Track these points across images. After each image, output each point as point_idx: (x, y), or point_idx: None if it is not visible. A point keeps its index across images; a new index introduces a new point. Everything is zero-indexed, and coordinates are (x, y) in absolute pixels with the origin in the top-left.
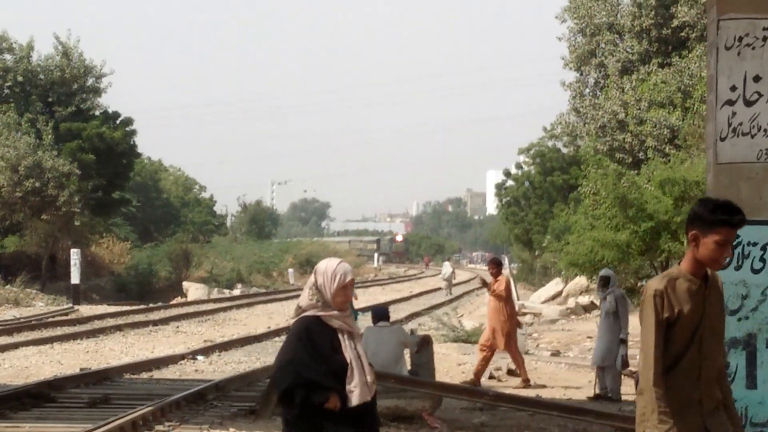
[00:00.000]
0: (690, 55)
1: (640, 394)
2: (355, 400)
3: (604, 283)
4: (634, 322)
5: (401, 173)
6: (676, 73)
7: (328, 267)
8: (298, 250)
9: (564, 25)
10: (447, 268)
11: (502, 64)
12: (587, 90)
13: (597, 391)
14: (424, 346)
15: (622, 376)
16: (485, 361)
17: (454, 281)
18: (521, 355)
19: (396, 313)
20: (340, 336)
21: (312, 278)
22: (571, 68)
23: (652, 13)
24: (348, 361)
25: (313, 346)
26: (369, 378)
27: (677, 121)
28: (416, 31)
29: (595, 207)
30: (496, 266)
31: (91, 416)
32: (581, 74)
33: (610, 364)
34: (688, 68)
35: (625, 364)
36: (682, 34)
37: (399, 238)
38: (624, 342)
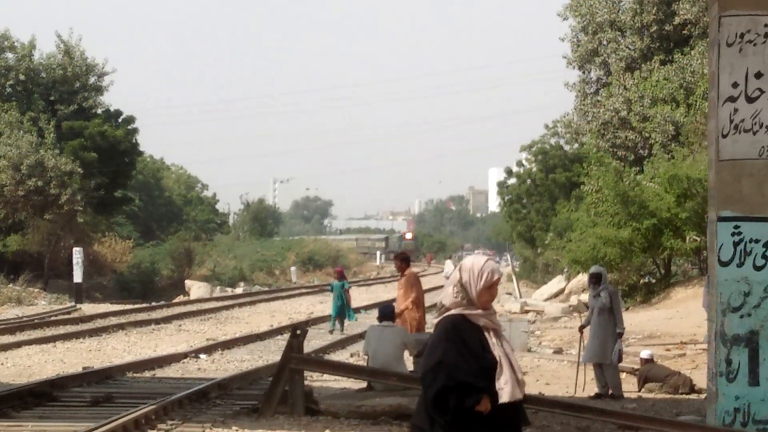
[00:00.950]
0: (692, 52)
1: None
2: (506, 396)
3: (596, 280)
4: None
5: (403, 171)
6: (679, 69)
7: (474, 264)
8: (300, 249)
9: (566, 23)
10: (449, 266)
11: (504, 62)
12: (591, 88)
13: (597, 390)
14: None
15: (622, 373)
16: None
17: None
18: None
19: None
20: (486, 334)
21: (456, 275)
22: (574, 67)
23: (654, 9)
24: (497, 358)
25: (463, 345)
26: (519, 375)
27: (681, 117)
28: (419, 29)
29: (597, 204)
30: (401, 261)
31: (93, 415)
32: (584, 73)
33: (606, 360)
34: (690, 65)
35: (620, 358)
36: (684, 31)
37: (409, 235)
38: (620, 336)
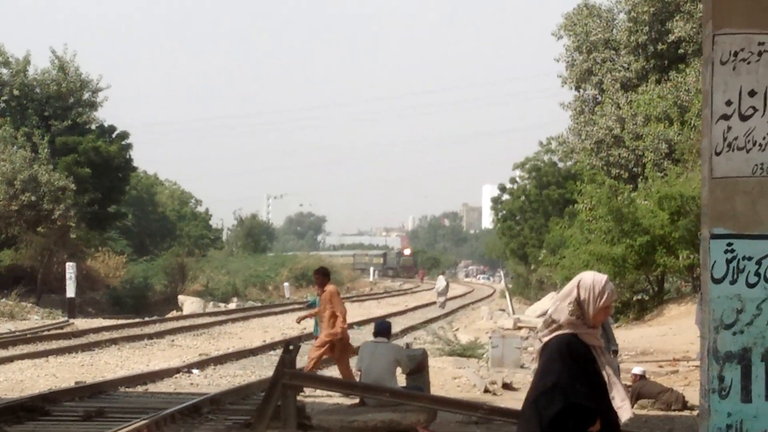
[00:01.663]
0: (687, 70)
1: None
2: (625, 415)
3: None
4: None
5: (397, 187)
6: (673, 87)
7: (595, 283)
8: (293, 264)
9: (560, 43)
10: (441, 282)
11: (498, 80)
12: (586, 107)
13: None
14: (418, 372)
15: None
16: (318, 360)
17: (448, 295)
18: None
19: (392, 327)
20: (594, 353)
21: (574, 293)
22: (570, 87)
23: (646, 28)
24: (606, 378)
25: (576, 366)
26: (626, 394)
27: (675, 135)
28: (411, 47)
29: (591, 221)
30: (322, 276)
31: (86, 430)
32: (579, 92)
33: None
34: (685, 83)
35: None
36: (680, 50)
37: (407, 251)
38: (616, 354)
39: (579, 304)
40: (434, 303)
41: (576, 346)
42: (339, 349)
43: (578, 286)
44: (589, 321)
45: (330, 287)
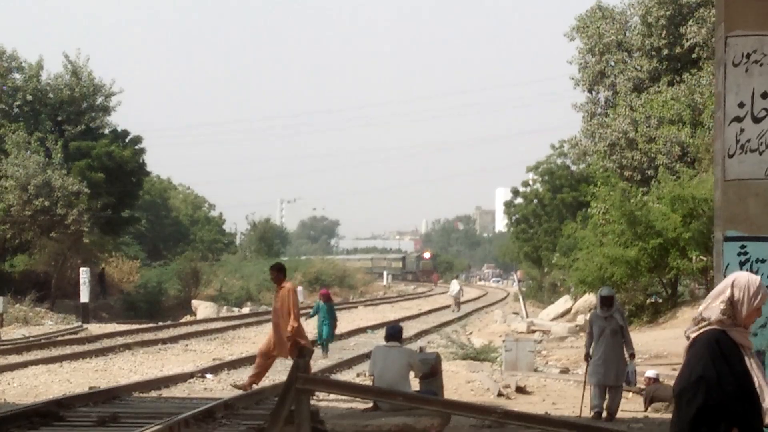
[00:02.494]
0: (701, 73)
1: None
2: None
3: (610, 302)
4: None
5: (410, 191)
6: (687, 89)
7: (750, 283)
8: (307, 269)
9: (573, 44)
10: (455, 285)
11: (511, 83)
12: (598, 109)
13: (603, 412)
14: (431, 376)
15: (630, 394)
16: (264, 369)
17: (462, 299)
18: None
19: (405, 330)
20: (744, 353)
21: (727, 292)
22: (583, 90)
23: (664, 32)
24: (756, 379)
25: (724, 363)
26: None
27: (687, 138)
28: (424, 51)
29: (604, 224)
30: (277, 272)
31: None
32: (592, 94)
33: (620, 383)
34: (699, 85)
35: (634, 381)
36: (694, 55)
37: (427, 255)
38: (633, 357)
39: (732, 304)
40: (448, 306)
41: (725, 342)
42: (291, 345)
43: (732, 285)
44: (740, 321)
45: (288, 284)
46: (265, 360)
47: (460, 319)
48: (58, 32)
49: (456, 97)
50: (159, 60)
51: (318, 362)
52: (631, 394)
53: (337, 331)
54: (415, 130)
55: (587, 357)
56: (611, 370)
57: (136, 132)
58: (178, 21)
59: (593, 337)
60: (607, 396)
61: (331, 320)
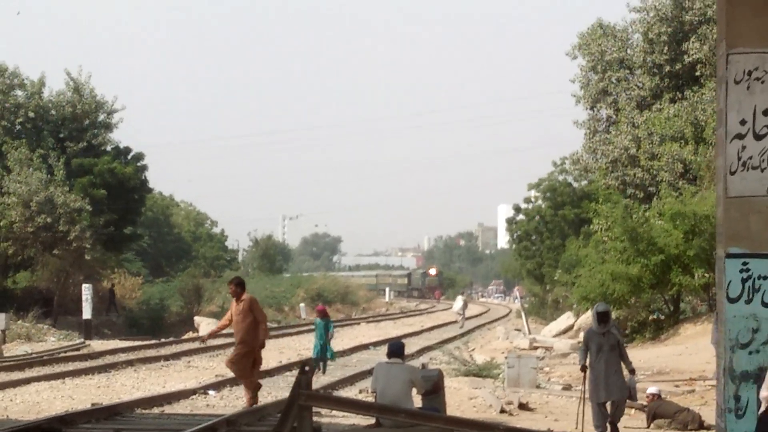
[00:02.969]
0: (702, 90)
1: None
2: None
3: (607, 318)
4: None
5: (412, 207)
6: (689, 106)
7: None
8: (309, 285)
9: (575, 63)
10: (459, 302)
11: (512, 98)
12: (600, 126)
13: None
14: (434, 393)
15: (633, 410)
16: (254, 386)
17: (466, 314)
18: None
19: (407, 347)
20: None
21: None
22: (585, 107)
23: (666, 48)
24: None
25: None
26: None
27: (689, 155)
28: (426, 66)
29: (606, 241)
30: (236, 286)
31: None
32: (594, 111)
33: (624, 395)
34: (701, 102)
35: (635, 395)
36: (696, 72)
37: (432, 271)
38: (634, 372)
39: None
40: (451, 323)
41: None
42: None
43: None
44: None
45: (247, 296)
46: (249, 376)
47: (462, 335)
48: (59, 49)
49: (458, 113)
50: (160, 76)
51: (319, 379)
52: (633, 410)
53: (340, 348)
54: (417, 146)
55: (584, 368)
56: (614, 385)
57: (139, 149)
58: (179, 37)
59: (590, 353)
60: (609, 409)
61: (326, 338)
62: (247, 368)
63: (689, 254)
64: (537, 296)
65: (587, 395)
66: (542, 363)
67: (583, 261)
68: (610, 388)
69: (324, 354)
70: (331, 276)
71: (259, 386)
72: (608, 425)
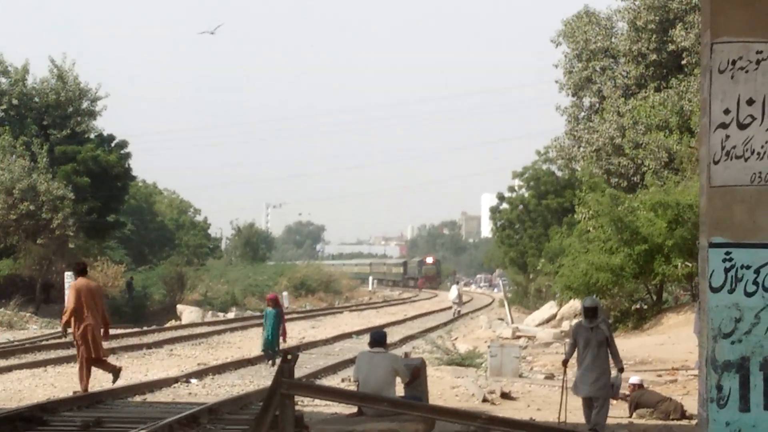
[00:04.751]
0: (688, 79)
1: None
2: None
3: (594, 313)
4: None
5: (396, 196)
6: (675, 95)
7: None
8: (292, 273)
9: (559, 50)
10: (454, 291)
11: (497, 88)
12: (582, 114)
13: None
14: (414, 380)
15: (615, 400)
16: (88, 369)
17: (463, 302)
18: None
19: (390, 336)
20: None
21: None
22: (567, 94)
23: (653, 36)
24: None
25: None
26: None
27: (674, 144)
28: (410, 56)
29: (589, 231)
30: (79, 272)
31: None
32: (577, 99)
33: (607, 395)
34: (687, 91)
35: (616, 393)
36: (682, 61)
37: (429, 260)
38: (622, 371)
39: None
40: (433, 312)
41: None
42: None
43: None
44: None
45: (72, 283)
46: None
47: (445, 324)
48: (43, 37)
49: (441, 102)
50: (145, 64)
51: (261, 371)
52: (615, 401)
53: (323, 336)
54: (401, 135)
55: (565, 363)
56: (599, 381)
57: (122, 136)
58: (163, 25)
59: (578, 348)
60: (593, 410)
61: (278, 327)
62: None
63: (672, 244)
64: (520, 285)
65: (572, 390)
66: (525, 352)
67: (567, 250)
68: (594, 384)
69: (274, 346)
70: (314, 264)
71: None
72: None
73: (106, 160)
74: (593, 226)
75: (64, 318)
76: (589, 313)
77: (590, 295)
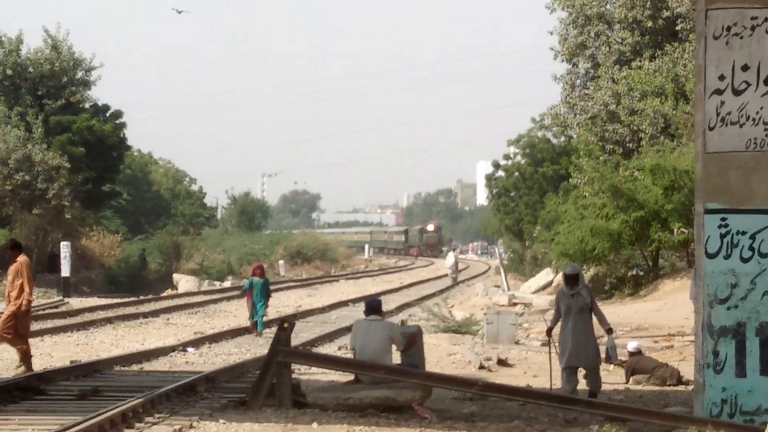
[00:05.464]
0: (683, 46)
1: None
2: None
3: (574, 280)
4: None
5: (391, 164)
6: (670, 62)
7: None
8: (288, 242)
9: (554, 16)
10: (450, 258)
11: (492, 54)
12: (578, 81)
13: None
14: (410, 347)
15: (612, 366)
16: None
17: (459, 270)
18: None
19: (387, 303)
20: None
21: None
22: (562, 60)
23: (648, 3)
24: None
25: None
26: None
27: (670, 110)
28: (405, 22)
29: (585, 197)
30: (11, 249)
31: (81, 408)
32: (573, 65)
33: (594, 365)
34: (682, 57)
35: (616, 355)
36: (678, 28)
37: (430, 227)
38: (611, 332)
39: None
40: (429, 280)
41: None
42: (21, 322)
43: None
44: None
45: (21, 258)
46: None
47: (441, 292)
48: (37, 6)
49: (437, 69)
50: (139, 33)
51: (258, 340)
52: (612, 366)
53: (319, 305)
54: (396, 103)
55: (549, 332)
56: (581, 350)
57: (117, 106)
58: None
59: (560, 314)
60: (584, 380)
61: (265, 298)
62: (12, 332)
63: (668, 209)
64: (516, 252)
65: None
66: (521, 319)
67: (563, 217)
68: (578, 354)
69: (262, 316)
70: (310, 233)
71: (26, 351)
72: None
73: (101, 130)
74: (589, 192)
75: (31, 298)
76: (570, 280)
77: (585, 263)
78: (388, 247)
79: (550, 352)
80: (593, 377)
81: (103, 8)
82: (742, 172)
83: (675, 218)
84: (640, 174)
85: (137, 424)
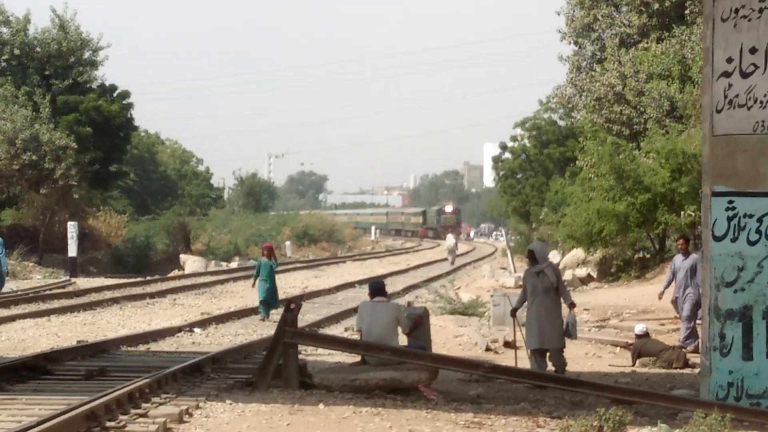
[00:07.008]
0: (691, 28)
1: None
2: None
3: (532, 257)
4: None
5: (398, 146)
6: (677, 44)
7: None
8: (295, 223)
9: None
10: (450, 240)
11: (500, 37)
12: (584, 63)
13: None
14: (416, 328)
15: (618, 348)
16: None
17: (457, 252)
18: None
19: (393, 285)
20: None
21: None
22: (569, 42)
23: None
24: None
25: None
26: None
27: (676, 93)
28: (413, 4)
29: (592, 179)
30: None
31: (87, 388)
32: (579, 47)
33: (559, 345)
34: (689, 40)
35: (574, 333)
36: (686, 11)
37: (449, 208)
38: (574, 306)
39: None
40: (435, 261)
41: None
42: None
43: None
44: None
45: None
46: None
47: (448, 273)
48: None
49: (445, 51)
50: (147, 13)
51: (257, 325)
52: (619, 348)
53: (326, 286)
54: (404, 85)
55: (513, 312)
56: (546, 330)
57: (124, 86)
58: None
59: (526, 294)
60: (549, 362)
61: (271, 281)
62: None
63: (681, 191)
64: (522, 234)
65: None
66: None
67: (569, 199)
68: (542, 335)
69: (271, 298)
70: (316, 214)
71: None
72: None
73: (109, 110)
74: (594, 173)
75: None
76: (530, 256)
77: (591, 245)
78: (405, 229)
79: (514, 333)
80: (557, 357)
81: None
82: (749, 155)
83: (689, 201)
84: (651, 156)
85: (144, 404)
